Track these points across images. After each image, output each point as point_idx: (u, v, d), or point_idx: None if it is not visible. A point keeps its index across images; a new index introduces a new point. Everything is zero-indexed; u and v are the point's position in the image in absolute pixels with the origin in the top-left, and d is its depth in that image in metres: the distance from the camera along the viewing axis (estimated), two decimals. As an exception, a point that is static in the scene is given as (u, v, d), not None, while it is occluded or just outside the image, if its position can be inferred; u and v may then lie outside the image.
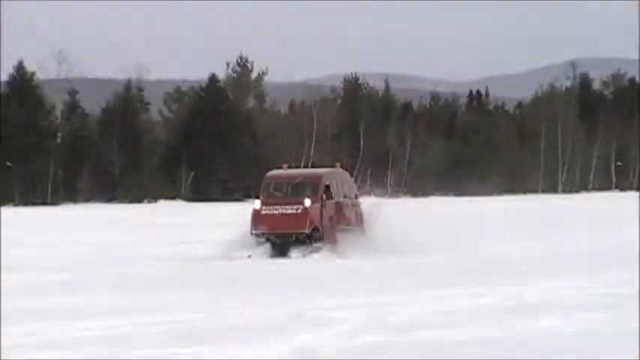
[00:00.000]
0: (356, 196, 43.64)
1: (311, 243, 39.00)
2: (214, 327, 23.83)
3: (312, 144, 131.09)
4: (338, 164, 45.33)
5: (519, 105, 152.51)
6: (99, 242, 56.65)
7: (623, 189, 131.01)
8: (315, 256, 38.71)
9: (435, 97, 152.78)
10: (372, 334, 21.62)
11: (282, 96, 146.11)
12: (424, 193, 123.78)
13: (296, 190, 40.52)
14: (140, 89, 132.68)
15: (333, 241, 39.36)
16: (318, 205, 39.43)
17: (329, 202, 40.13)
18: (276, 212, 39.28)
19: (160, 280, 35.11)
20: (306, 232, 38.74)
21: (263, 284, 32.77)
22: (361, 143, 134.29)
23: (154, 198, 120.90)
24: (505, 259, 40.89)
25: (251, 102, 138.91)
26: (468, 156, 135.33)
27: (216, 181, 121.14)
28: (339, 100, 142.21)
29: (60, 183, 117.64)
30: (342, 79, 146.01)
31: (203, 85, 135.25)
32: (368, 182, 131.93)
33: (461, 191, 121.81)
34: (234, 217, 47.60)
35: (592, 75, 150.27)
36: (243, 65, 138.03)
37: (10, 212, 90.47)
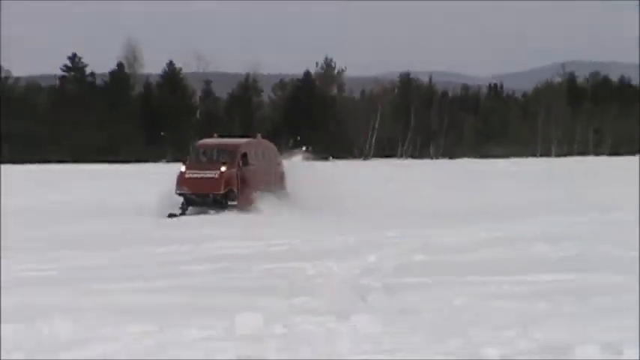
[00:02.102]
0: (278, 161, 40.82)
1: (227, 202, 36.90)
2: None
3: (377, 122, 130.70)
4: (259, 135, 42.65)
5: (524, 95, 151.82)
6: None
7: (597, 154, 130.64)
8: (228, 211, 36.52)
9: (465, 88, 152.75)
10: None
11: (356, 86, 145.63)
12: (456, 156, 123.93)
13: (217, 156, 38.24)
14: (255, 80, 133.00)
15: (250, 201, 37.08)
16: (234, 170, 37.18)
17: (245, 168, 37.83)
18: (197, 175, 37.04)
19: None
20: (221, 192, 36.70)
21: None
22: (412, 121, 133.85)
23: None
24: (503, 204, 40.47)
25: (334, 90, 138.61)
26: (487, 131, 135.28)
27: (310, 147, 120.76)
28: (396, 90, 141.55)
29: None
30: (398, 75, 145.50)
31: (300, 78, 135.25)
32: (417, 149, 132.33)
33: (482, 155, 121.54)
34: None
35: (577, 74, 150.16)
36: (328, 64, 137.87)
37: (165, 166, 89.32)
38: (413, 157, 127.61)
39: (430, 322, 12.98)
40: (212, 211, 36.32)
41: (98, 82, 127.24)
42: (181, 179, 37.04)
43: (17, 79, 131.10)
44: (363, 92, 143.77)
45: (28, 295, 16.04)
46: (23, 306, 14.73)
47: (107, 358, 11.07)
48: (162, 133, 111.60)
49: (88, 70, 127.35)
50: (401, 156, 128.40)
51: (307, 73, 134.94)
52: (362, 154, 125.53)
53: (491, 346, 11.37)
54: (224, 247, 24.30)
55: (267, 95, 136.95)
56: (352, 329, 12.62)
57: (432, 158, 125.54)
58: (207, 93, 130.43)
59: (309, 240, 25.54)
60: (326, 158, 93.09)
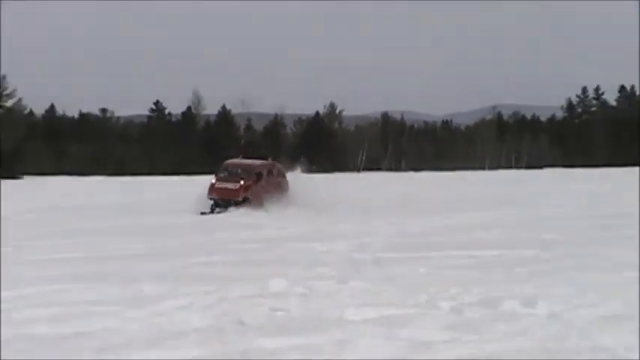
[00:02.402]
0: (283, 176, 39.45)
1: (243, 205, 35.84)
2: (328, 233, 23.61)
3: (366, 146, 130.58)
4: (270, 158, 41.43)
5: (467, 127, 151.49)
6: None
7: (517, 168, 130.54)
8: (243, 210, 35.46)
9: (425, 123, 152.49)
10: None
11: (352, 122, 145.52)
12: (420, 169, 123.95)
13: (239, 173, 37.13)
14: (282, 118, 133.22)
15: (261, 203, 35.78)
16: (250, 183, 36.56)
17: (258, 182, 36.98)
18: (223, 186, 36.40)
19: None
20: (240, 199, 35.98)
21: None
22: (389, 146, 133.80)
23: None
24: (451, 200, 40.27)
25: (336, 125, 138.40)
26: (441, 153, 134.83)
27: (316, 165, 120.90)
28: (379, 125, 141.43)
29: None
30: (380, 114, 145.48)
31: (312, 116, 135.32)
32: (393, 164, 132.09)
33: (436, 169, 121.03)
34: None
35: (503, 113, 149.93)
36: (332, 106, 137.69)
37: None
38: (391, 169, 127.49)
39: (403, 284, 13.00)
40: (232, 209, 35.61)
41: (173, 119, 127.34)
42: (212, 188, 36.51)
43: (118, 118, 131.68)
44: (356, 126, 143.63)
45: (125, 265, 16.11)
46: (123, 272, 14.79)
47: (178, 309, 11.06)
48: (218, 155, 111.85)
49: (167, 111, 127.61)
50: (384, 169, 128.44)
51: (317, 113, 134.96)
52: (355, 168, 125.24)
53: (445, 300, 11.50)
54: (255, 234, 24.23)
55: (289, 128, 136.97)
56: (350, 289, 12.64)
57: (403, 170, 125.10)
58: (249, 127, 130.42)
59: (318, 229, 25.56)
60: (328, 172, 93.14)
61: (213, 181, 37.01)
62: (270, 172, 38.59)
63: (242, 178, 36.75)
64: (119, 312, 10.79)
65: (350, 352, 8.52)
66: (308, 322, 10.07)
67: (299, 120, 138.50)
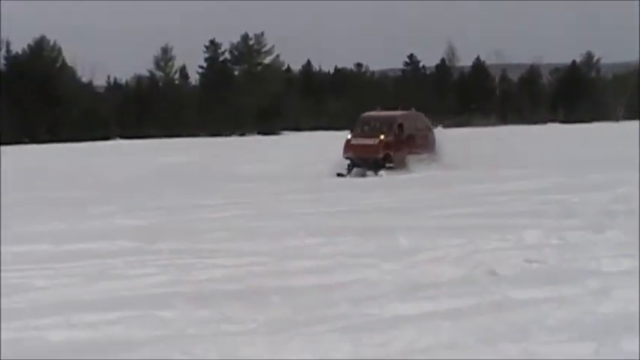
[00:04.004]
0: (429, 129, 36.12)
1: (384, 164, 33.03)
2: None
3: (625, 98, 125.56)
4: (413, 108, 37.18)
5: None
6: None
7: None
8: (382, 173, 32.61)
9: None
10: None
11: (610, 71, 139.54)
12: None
13: (378, 126, 34.27)
14: (538, 67, 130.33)
15: (403, 163, 32.97)
16: (391, 138, 33.57)
17: (401, 136, 34.07)
18: (361, 142, 33.40)
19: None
20: (380, 156, 33.03)
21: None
22: None
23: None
24: None
25: (593, 74, 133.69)
26: None
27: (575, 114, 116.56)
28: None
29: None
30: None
31: (568, 65, 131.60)
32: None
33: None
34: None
35: None
36: (589, 55, 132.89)
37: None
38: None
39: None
40: (381, 172, 32.67)
41: (428, 72, 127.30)
42: (347, 145, 33.85)
43: (372, 72, 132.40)
44: (614, 75, 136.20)
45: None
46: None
47: (432, 261, 11.22)
48: (472, 106, 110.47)
49: (421, 64, 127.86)
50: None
51: (573, 62, 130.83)
52: (615, 118, 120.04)
53: None
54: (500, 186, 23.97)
55: (545, 78, 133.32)
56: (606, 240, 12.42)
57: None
58: (504, 78, 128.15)
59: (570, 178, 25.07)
60: (585, 122, 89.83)
61: (349, 137, 34.38)
62: (414, 125, 35.45)
63: (382, 132, 34.01)
64: (376, 264, 11.04)
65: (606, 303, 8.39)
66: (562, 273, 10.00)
67: (555, 70, 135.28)
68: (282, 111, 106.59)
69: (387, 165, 33.15)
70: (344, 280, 10.09)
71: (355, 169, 33.52)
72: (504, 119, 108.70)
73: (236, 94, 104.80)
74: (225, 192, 26.31)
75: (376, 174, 32.52)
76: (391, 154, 33.37)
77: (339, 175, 32.88)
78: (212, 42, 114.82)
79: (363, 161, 33.33)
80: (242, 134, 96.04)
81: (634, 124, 66.63)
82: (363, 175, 32.92)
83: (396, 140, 33.89)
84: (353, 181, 30.57)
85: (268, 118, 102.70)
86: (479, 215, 16.43)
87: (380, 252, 11.95)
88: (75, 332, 7.83)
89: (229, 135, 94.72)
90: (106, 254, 12.62)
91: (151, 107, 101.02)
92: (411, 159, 33.27)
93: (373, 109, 38.19)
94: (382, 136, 33.59)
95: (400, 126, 34.45)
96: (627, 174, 25.60)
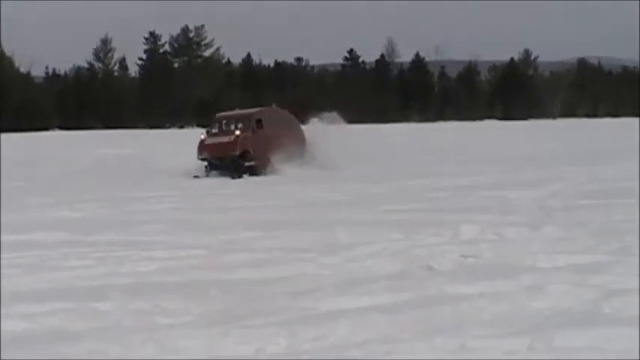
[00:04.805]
0: (297, 126, 32.99)
1: (243, 163, 30.07)
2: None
3: (562, 95, 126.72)
4: (274, 104, 34.80)
5: None
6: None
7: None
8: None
9: (623, 68, 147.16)
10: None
11: (547, 69, 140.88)
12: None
13: (234, 123, 31.50)
14: (476, 64, 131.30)
15: (267, 162, 30.06)
16: (248, 134, 30.55)
17: (260, 132, 30.97)
18: (216, 141, 30.44)
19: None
20: (237, 154, 29.95)
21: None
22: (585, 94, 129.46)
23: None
24: None
25: (530, 71, 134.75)
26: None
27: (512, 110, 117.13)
28: (575, 71, 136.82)
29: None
30: (576, 60, 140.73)
31: (506, 63, 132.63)
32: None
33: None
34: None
35: None
36: (526, 53, 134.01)
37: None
38: (588, 116, 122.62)
39: (596, 231, 12.72)
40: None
41: (367, 67, 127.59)
42: (201, 146, 30.66)
43: (312, 66, 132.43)
44: (551, 72, 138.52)
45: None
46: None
47: (368, 255, 11.23)
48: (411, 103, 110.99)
49: (360, 59, 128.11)
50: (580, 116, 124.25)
51: (512, 60, 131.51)
52: (551, 115, 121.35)
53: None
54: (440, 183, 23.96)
55: (484, 75, 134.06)
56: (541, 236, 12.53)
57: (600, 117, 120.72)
58: (442, 74, 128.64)
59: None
60: (523, 119, 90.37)
61: (203, 137, 31.51)
62: (275, 121, 32.29)
63: (238, 129, 31.09)
64: (314, 258, 11.05)
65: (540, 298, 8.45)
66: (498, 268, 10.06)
67: (493, 67, 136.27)
68: (222, 104, 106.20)
69: (247, 164, 30.29)
70: (284, 274, 10.09)
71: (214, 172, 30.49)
72: (442, 116, 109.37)
73: (176, 87, 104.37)
74: (162, 185, 26.21)
75: (238, 177, 29.46)
76: (250, 150, 30.42)
77: (195, 177, 29.60)
78: (152, 34, 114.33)
79: (221, 161, 30.44)
80: (181, 127, 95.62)
81: (570, 121, 67.41)
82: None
83: (255, 136, 30.88)
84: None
85: (208, 111, 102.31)
86: (413, 211, 16.47)
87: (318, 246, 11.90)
88: (10, 323, 7.73)
89: (169, 127, 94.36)
90: (43, 245, 12.52)
91: (91, 98, 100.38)
92: (276, 158, 30.24)
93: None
94: (238, 132, 30.72)
95: (259, 122, 31.60)
96: (563, 170, 25.95)
